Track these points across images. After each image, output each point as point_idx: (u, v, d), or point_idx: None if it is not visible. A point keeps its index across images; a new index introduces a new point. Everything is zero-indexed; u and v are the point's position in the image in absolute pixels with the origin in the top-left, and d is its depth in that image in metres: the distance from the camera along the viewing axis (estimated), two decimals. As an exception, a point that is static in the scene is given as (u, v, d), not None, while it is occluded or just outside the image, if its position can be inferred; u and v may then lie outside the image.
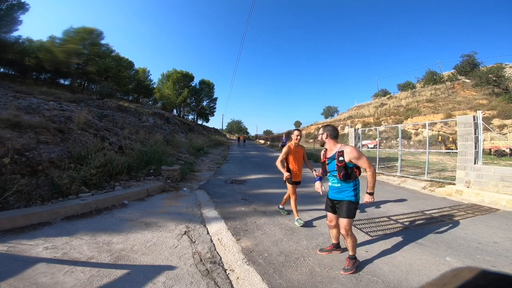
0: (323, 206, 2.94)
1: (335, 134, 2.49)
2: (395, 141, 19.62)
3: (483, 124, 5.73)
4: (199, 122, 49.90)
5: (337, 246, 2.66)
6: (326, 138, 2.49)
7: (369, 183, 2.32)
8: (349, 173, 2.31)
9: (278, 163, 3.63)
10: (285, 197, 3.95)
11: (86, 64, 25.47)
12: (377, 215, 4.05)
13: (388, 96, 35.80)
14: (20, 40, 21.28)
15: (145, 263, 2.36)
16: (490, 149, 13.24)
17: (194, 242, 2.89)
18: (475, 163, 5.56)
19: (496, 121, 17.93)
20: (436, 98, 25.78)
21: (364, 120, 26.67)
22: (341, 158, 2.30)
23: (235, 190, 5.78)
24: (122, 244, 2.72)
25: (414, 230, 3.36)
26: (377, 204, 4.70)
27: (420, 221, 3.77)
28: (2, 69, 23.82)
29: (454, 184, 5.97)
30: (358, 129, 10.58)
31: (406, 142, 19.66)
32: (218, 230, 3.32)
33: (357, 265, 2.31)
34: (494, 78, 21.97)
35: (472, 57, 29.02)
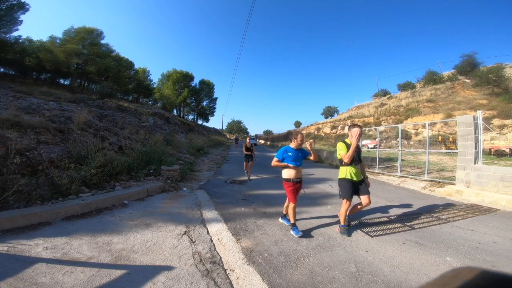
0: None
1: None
2: (395, 141, 19.62)
3: (483, 124, 5.73)
4: (199, 122, 49.97)
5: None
6: None
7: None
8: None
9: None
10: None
11: (86, 64, 25.49)
12: (377, 215, 4.05)
13: (388, 96, 35.78)
14: (20, 40, 21.24)
15: (145, 263, 2.36)
16: (490, 149, 13.23)
17: (194, 242, 2.89)
18: (475, 163, 5.56)
19: (496, 121, 17.91)
20: (436, 98, 25.76)
21: (364, 120, 26.65)
22: None
23: (235, 190, 5.79)
24: (122, 244, 2.72)
25: (414, 230, 3.35)
26: (377, 204, 4.70)
27: (420, 221, 3.77)
28: (2, 69, 23.83)
29: (454, 184, 5.97)
30: (358, 129, 10.56)
31: (406, 142, 19.66)
32: (218, 230, 3.32)
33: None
34: (494, 78, 21.96)
35: (472, 57, 29.01)
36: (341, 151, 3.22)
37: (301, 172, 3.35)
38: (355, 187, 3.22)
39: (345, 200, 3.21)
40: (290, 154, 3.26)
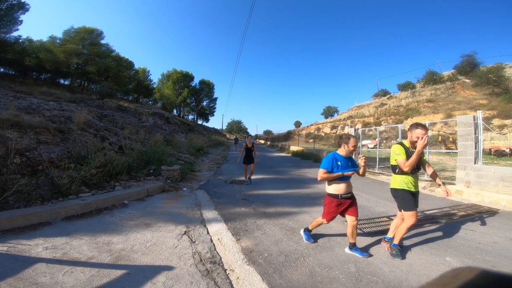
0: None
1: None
2: (395, 141, 19.62)
3: (483, 124, 5.73)
4: (199, 122, 49.99)
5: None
6: None
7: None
8: None
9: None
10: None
11: (86, 64, 25.50)
12: (377, 215, 4.05)
13: (388, 96, 35.82)
14: (20, 40, 21.26)
15: (145, 263, 2.36)
16: (490, 149, 13.25)
17: (194, 242, 2.89)
18: (475, 163, 5.56)
19: (496, 121, 17.92)
20: (436, 98, 25.79)
21: (364, 120, 26.68)
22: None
23: (235, 190, 5.79)
24: (122, 244, 2.72)
25: (413, 230, 3.35)
26: (377, 204, 4.70)
27: (420, 221, 3.77)
28: (2, 69, 23.85)
29: (454, 184, 5.97)
30: (358, 129, 10.59)
31: (406, 142, 19.62)
32: (218, 230, 3.32)
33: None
34: (494, 78, 21.98)
35: (472, 57, 29.06)
36: (399, 156, 2.58)
37: (352, 186, 2.72)
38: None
39: (410, 212, 2.55)
40: (339, 163, 2.62)
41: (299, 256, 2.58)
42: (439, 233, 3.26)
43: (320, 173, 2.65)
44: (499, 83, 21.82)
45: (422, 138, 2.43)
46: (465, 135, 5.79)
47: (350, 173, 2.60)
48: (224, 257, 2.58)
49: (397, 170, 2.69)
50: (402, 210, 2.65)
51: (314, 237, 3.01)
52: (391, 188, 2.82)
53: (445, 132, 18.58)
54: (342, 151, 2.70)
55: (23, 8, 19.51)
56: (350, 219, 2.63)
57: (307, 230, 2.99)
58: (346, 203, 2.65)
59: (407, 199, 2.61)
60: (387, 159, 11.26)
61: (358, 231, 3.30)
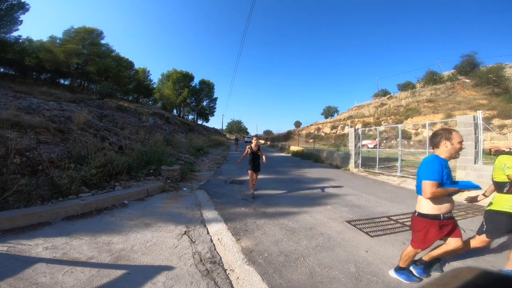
0: None
1: None
2: (395, 141, 19.62)
3: (483, 124, 5.73)
4: (199, 122, 50.00)
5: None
6: None
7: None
8: None
9: None
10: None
11: (86, 64, 25.50)
12: (377, 215, 4.05)
13: (388, 96, 35.85)
14: (20, 40, 21.27)
15: (145, 263, 2.36)
16: (490, 149, 13.25)
17: (194, 242, 2.89)
18: (475, 163, 5.56)
19: (496, 121, 17.93)
20: (436, 98, 25.80)
21: (364, 120, 26.69)
22: None
23: (235, 190, 5.78)
24: (122, 244, 2.72)
25: (414, 230, 3.36)
26: (377, 204, 4.70)
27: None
28: (2, 69, 23.86)
29: (454, 184, 5.97)
30: (358, 129, 10.59)
31: (406, 142, 19.67)
32: (218, 230, 3.32)
33: None
34: (494, 78, 22.00)
35: (472, 57, 29.09)
36: None
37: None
38: None
39: (485, 238, 2.16)
40: (446, 170, 1.87)
41: (299, 256, 2.58)
42: (439, 233, 3.26)
43: (429, 187, 1.81)
44: (499, 83, 21.85)
45: None
46: (465, 135, 5.78)
47: (473, 191, 1.86)
48: (224, 257, 2.58)
49: (506, 189, 2.11)
50: (484, 235, 2.17)
51: (411, 272, 2.17)
52: (490, 210, 2.20)
53: (445, 132, 18.57)
54: (443, 153, 1.90)
55: (23, 8, 19.51)
56: (455, 242, 1.97)
57: (400, 269, 2.13)
58: (450, 224, 1.95)
59: (504, 226, 2.09)
60: (387, 159, 11.27)
61: (359, 231, 3.31)
